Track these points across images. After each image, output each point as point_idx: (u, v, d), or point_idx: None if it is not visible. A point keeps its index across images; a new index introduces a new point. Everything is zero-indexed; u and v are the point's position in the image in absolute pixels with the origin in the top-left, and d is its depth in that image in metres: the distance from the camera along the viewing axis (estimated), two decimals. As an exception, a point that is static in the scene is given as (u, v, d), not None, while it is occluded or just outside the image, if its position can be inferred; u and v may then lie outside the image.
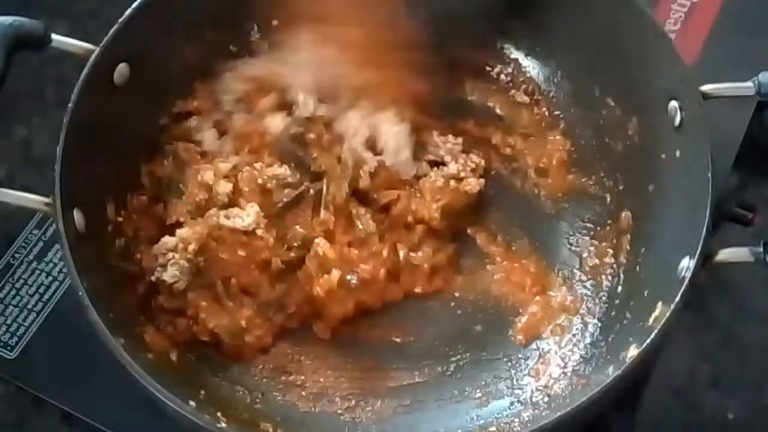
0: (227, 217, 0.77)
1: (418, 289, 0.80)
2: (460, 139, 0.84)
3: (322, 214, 0.79)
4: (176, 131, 0.82)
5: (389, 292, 0.80)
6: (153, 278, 0.75)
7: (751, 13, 0.92)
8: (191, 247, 0.75)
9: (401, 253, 0.80)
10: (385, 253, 0.79)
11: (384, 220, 0.81)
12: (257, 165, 0.80)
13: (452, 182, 0.82)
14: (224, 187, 0.78)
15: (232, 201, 0.79)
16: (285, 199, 0.79)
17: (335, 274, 0.77)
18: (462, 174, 0.82)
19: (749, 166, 0.84)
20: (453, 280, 0.81)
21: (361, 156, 0.81)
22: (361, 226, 0.80)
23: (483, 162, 0.84)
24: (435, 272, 0.81)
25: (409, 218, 0.81)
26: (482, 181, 0.82)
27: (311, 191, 0.80)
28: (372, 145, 0.82)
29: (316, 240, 0.78)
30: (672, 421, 0.78)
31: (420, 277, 0.80)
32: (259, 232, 0.77)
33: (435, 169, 0.83)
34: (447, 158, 0.83)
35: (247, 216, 0.77)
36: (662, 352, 0.76)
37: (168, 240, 0.76)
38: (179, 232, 0.76)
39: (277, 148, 0.81)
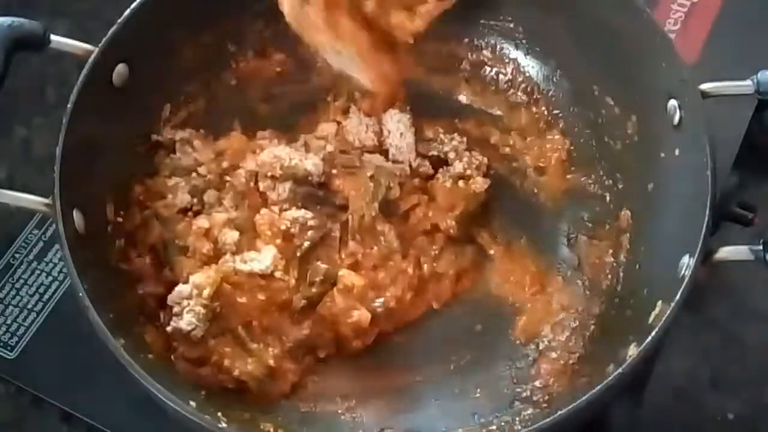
0: (243, 261, 0.76)
1: (436, 305, 0.80)
2: (464, 138, 0.84)
3: (351, 245, 0.79)
4: (148, 189, 0.80)
5: (411, 314, 0.80)
6: (170, 329, 0.74)
7: (751, 12, 0.92)
8: (206, 293, 0.73)
9: (425, 266, 0.80)
10: (410, 270, 0.79)
11: (404, 232, 0.81)
12: (275, 208, 0.79)
13: (461, 182, 0.82)
14: (230, 237, 0.77)
15: (248, 246, 0.77)
16: (308, 243, 0.78)
17: (366, 314, 0.76)
18: (468, 172, 0.82)
19: (749, 166, 0.84)
20: (479, 280, 0.81)
21: (387, 167, 0.82)
22: (384, 243, 0.80)
23: (486, 159, 0.84)
24: (460, 277, 0.81)
25: (428, 225, 0.81)
26: (488, 180, 0.82)
27: (337, 225, 0.79)
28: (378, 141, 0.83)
29: (341, 273, 0.77)
30: (672, 421, 0.78)
31: (447, 284, 0.80)
32: (278, 274, 0.76)
33: (441, 169, 0.83)
34: (451, 155, 0.83)
35: (264, 259, 0.76)
36: (662, 352, 0.76)
37: (182, 288, 0.74)
38: (192, 278, 0.74)
39: (296, 198, 0.80)
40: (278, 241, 0.77)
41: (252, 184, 0.80)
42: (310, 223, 0.78)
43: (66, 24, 0.91)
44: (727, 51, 0.90)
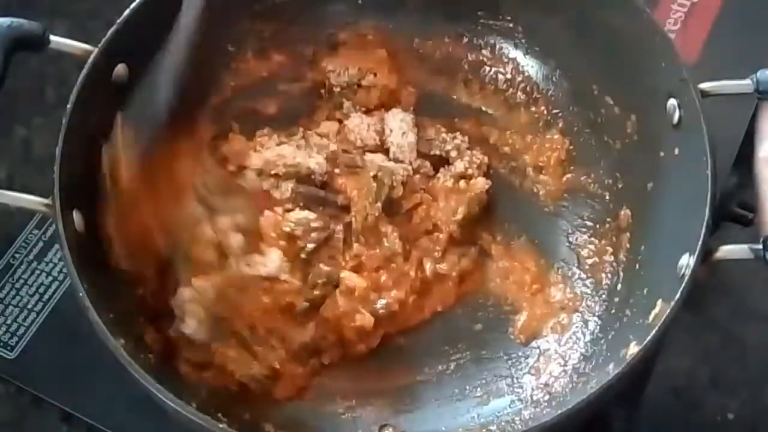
0: (248, 265, 0.75)
1: (440, 308, 0.80)
2: (466, 137, 0.84)
3: (355, 247, 0.79)
4: None
5: (417, 317, 0.80)
6: (172, 332, 0.73)
7: (751, 12, 0.92)
8: (208, 296, 0.73)
9: (428, 267, 0.80)
10: (412, 273, 0.79)
11: (407, 233, 0.81)
12: (278, 210, 0.78)
13: (462, 182, 0.82)
14: (236, 241, 0.76)
15: (252, 248, 0.76)
16: (312, 244, 0.78)
17: (369, 318, 0.76)
18: (469, 171, 0.82)
19: (749, 166, 0.84)
20: (482, 282, 0.81)
21: (389, 167, 0.82)
22: (387, 244, 0.80)
23: (486, 159, 0.84)
24: (464, 278, 0.81)
25: (430, 225, 0.81)
26: (489, 180, 0.82)
27: (340, 227, 0.79)
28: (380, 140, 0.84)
29: (343, 275, 0.77)
30: (672, 421, 0.78)
31: (450, 287, 0.80)
32: (283, 276, 0.76)
33: (442, 169, 0.83)
34: (453, 154, 0.83)
35: (270, 262, 0.76)
36: (662, 352, 0.76)
37: (184, 291, 0.73)
38: (194, 281, 0.73)
39: (298, 199, 0.80)
40: (282, 243, 0.77)
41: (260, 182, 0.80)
42: (314, 224, 0.78)
43: (65, 24, 0.91)
44: (727, 51, 0.90)
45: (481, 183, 0.82)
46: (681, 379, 0.79)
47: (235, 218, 0.78)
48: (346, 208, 0.80)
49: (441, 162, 0.84)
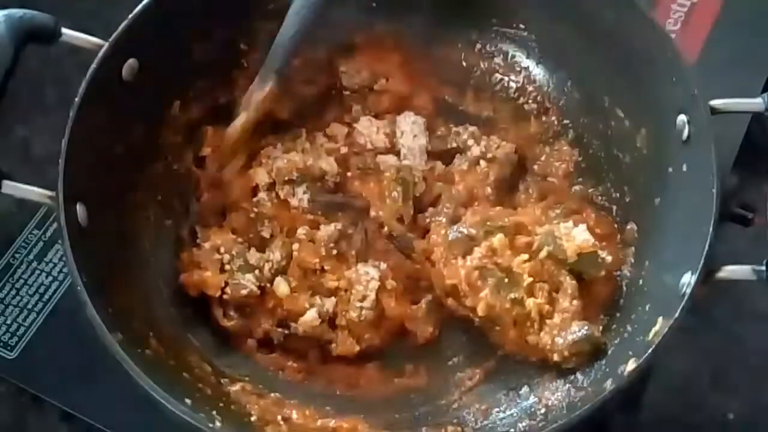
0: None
1: None
2: (476, 126, 0.84)
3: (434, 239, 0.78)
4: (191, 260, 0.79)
5: None
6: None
7: (751, 13, 0.92)
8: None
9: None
10: None
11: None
12: (301, 233, 0.78)
13: (482, 162, 0.81)
14: (284, 288, 0.77)
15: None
16: (356, 250, 0.78)
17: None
18: (489, 155, 0.81)
19: (749, 166, 0.84)
20: None
21: (407, 165, 0.81)
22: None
23: (505, 142, 0.82)
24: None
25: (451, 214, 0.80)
26: (513, 145, 0.82)
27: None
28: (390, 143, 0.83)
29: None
30: (672, 421, 0.78)
31: None
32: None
33: (458, 155, 0.83)
34: (470, 142, 0.82)
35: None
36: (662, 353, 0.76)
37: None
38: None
39: (315, 208, 0.80)
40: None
41: (276, 200, 0.80)
42: (349, 231, 0.78)
43: (66, 23, 0.91)
44: (727, 51, 0.90)
45: (508, 146, 0.81)
46: (681, 379, 0.79)
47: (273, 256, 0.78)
48: (365, 210, 0.80)
49: (455, 154, 0.83)
